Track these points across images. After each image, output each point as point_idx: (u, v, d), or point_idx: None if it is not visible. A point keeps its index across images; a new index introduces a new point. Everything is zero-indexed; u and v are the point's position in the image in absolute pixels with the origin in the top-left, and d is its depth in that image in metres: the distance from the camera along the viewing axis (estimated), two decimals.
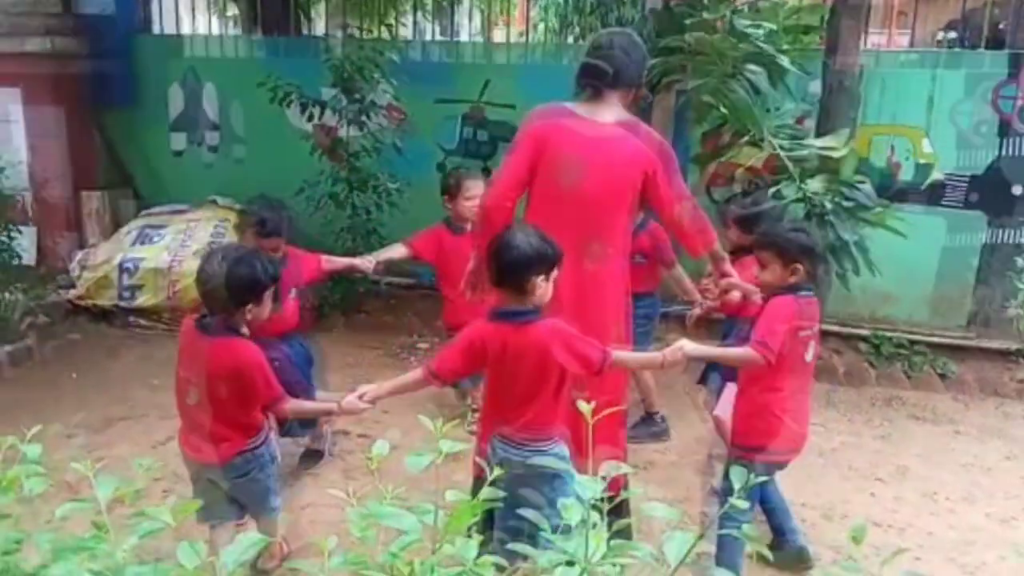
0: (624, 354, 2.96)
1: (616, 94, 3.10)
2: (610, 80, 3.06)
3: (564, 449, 2.74)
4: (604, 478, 1.00)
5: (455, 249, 4.16)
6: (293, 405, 3.02)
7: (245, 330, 2.96)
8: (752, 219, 3.82)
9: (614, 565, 0.94)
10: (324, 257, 4.14)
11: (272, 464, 3.08)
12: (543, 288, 2.74)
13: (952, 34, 10.33)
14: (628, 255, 3.23)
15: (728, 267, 3.34)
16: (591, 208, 3.03)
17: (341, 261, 4.32)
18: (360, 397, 2.82)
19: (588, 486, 0.96)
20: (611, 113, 3.06)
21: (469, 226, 4.17)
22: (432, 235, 4.44)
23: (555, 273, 2.78)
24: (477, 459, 2.37)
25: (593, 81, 3.08)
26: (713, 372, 4.02)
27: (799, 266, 3.07)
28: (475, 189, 4.23)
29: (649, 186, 3.05)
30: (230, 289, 2.84)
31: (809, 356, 3.12)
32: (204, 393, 2.87)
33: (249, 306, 2.91)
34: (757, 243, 3.26)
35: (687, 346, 2.86)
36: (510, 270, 2.73)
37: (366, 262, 4.22)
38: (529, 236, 2.75)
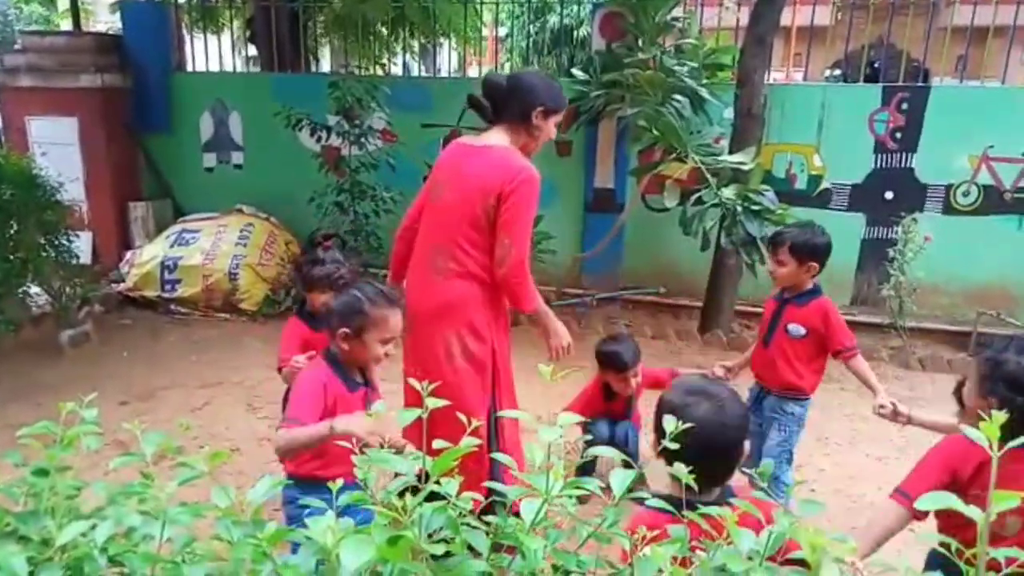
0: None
1: (502, 126, 2.67)
2: (488, 114, 2.70)
3: None
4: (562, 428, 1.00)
5: None
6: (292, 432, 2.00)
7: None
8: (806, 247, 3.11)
9: (570, 497, 0.94)
10: None
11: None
12: None
13: (837, 71, 10.46)
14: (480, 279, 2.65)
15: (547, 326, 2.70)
16: (444, 218, 2.66)
17: None
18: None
19: (548, 433, 0.96)
20: (494, 139, 2.66)
21: None
22: None
23: None
24: None
25: (474, 111, 2.77)
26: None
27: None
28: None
29: (495, 212, 2.56)
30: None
31: None
32: None
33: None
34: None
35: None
36: None
37: None
38: None
